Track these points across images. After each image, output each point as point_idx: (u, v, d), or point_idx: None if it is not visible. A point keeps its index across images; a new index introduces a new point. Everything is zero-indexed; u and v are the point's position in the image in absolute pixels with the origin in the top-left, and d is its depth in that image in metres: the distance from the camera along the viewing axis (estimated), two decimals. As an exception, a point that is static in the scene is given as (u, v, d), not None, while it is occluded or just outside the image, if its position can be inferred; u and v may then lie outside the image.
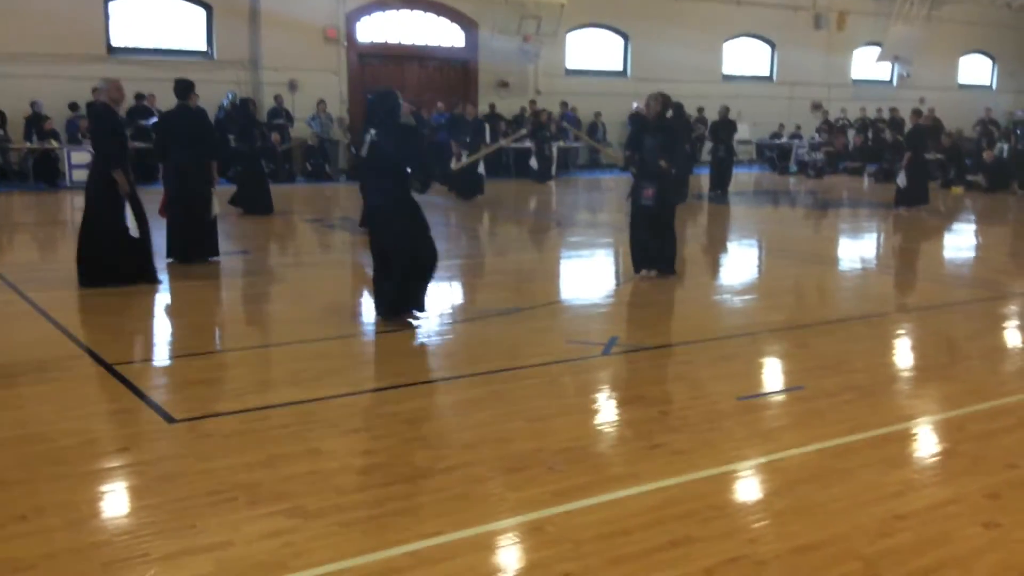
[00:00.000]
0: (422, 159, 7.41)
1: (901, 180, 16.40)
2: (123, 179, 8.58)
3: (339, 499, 4.07)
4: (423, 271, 7.44)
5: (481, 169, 17.83)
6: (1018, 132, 23.00)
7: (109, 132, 8.71)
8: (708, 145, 20.86)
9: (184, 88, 10.07)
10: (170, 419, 5.11)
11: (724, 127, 19.54)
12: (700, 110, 24.18)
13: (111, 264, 8.64)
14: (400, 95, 7.40)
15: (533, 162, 21.59)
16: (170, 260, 9.86)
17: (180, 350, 6.85)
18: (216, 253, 10.21)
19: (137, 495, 4.18)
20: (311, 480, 4.27)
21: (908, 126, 22.96)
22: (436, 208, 16.54)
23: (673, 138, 9.57)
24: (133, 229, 8.61)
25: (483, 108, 23.19)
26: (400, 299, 7.40)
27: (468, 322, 7.78)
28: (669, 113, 9.71)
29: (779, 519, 3.99)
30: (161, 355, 6.82)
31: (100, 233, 8.64)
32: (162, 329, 7.61)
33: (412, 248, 7.30)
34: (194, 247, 10.01)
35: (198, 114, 10.33)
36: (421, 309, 7.56)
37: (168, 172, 10.23)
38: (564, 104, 23.99)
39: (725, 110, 19.79)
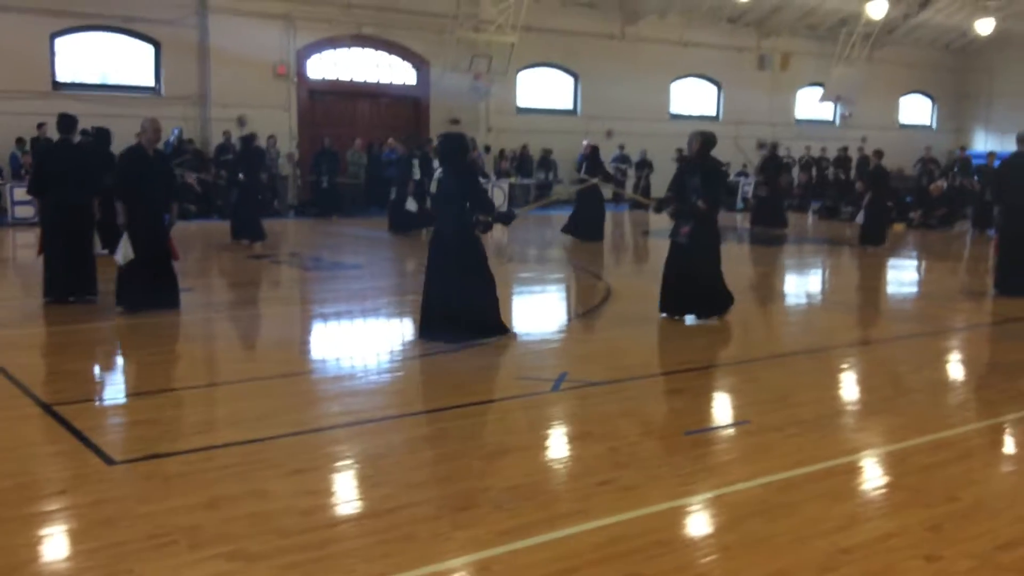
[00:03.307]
0: (478, 198, 8.04)
1: (860, 219, 16.66)
2: (123, 210, 9.09)
3: (281, 541, 4.00)
4: (475, 296, 8.00)
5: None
6: (955, 170, 23.58)
7: (120, 168, 9.35)
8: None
9: (67, 124, 9.80)
10: (110, 461, 5.00)
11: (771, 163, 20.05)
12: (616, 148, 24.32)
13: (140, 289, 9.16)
14: (468, 139, 8.29)
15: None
16: (47, 299, 9.54)
17: (121, 390, 6.72)
18: (95, 292, 9.78)
19: (75, 539, 4.07)
20: (254, 522, 4.19)
21: (856, 163, 23.52)
22: (385, 243, 16.50)
23: (712, 177, 9.18)
24: (119, 257, 9.06)
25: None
26: (464, 325, 7.93)
27: (417, 359, 7.74)
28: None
29: (726, 554, 4.00)
30: (102, 395, 6.67)
31: (142, 262, 9.10)
32: (103, 368, 7.46)
33: (464, 276, 7.92)
34: (74, 284, 9.62)
35: (80, 150, 10.13)
36: (502, 332, 8.17)
37: (46, 208, 9.96)
38: (472, 140, 23.54)
39: (773, 147, 20.21)
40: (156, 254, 9.24)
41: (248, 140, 16.43)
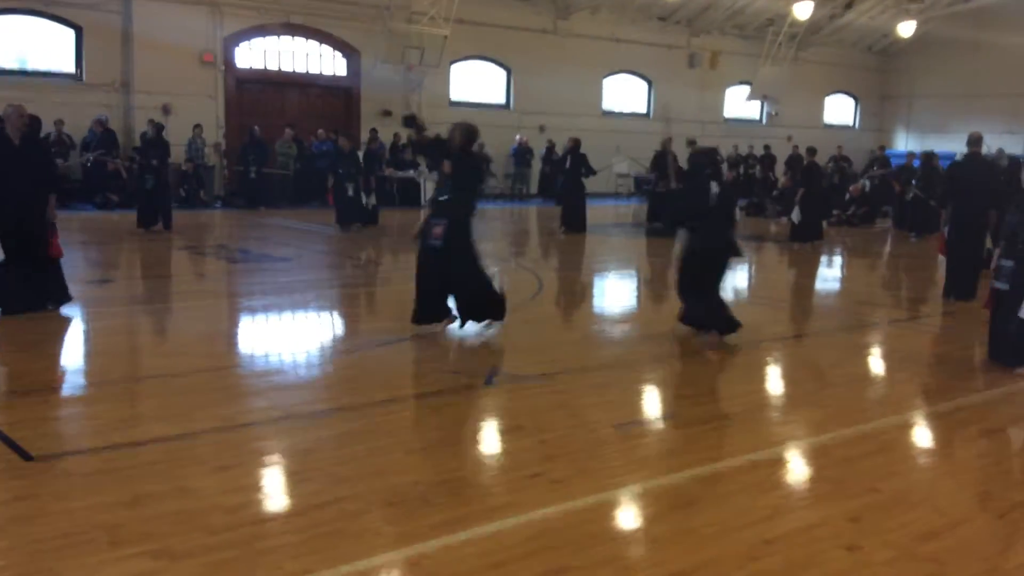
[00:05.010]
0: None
1: (795, 216, 16.85)
2: None
3: (207, 539, 3.92)
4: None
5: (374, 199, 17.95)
6: (874, 168, 24.16)
7: None
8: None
9: None
10: (27, 457, 4.84)
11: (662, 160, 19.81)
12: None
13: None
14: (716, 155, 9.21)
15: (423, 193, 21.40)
16: None
17: (39, 384, 6.50)
18: None
19: (-12, 539, 3.94)
20: (178, 519, 4.10)
21: (786, 160, 23.84)
22: (314, 236, 16.32)
23: (469, 174, 8.11)
24: None
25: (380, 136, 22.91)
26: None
27: (349, 353, 7.67)
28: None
29: (654, 545, 4.04)
30: (18, 389, 6.45)
31: (14, 261, 8.37)
32: (19, 362, 7.22)
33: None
34: None
35: None
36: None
37: None
38: (374, 131, 22.72)
39: (667, 141, 20.13)
40: (29, 252, 8.47)
41: (160, 127, 16.34)
